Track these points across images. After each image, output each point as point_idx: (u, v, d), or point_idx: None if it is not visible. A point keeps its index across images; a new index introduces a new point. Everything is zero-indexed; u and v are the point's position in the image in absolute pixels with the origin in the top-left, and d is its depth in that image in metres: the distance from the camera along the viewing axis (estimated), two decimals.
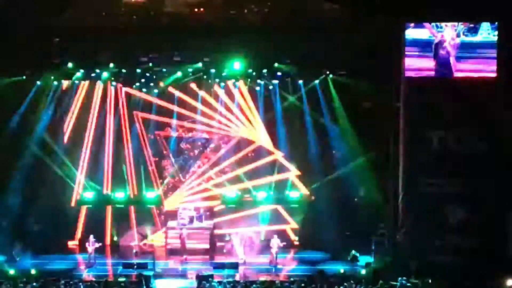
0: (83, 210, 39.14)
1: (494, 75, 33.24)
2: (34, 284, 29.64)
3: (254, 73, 37.80)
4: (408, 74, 33.68)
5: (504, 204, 33.69)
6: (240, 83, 38.88)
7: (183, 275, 34.07)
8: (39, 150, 38.18)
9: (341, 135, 38.12)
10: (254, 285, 29.90)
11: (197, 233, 38.03)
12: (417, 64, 33.66)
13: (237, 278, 32.61)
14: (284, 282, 30.73)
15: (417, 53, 33.67)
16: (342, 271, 33.37)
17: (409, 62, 33.65)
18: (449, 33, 33.31)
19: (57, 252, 36.98)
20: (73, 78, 37.99)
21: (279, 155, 39.36)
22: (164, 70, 37.79)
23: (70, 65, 36.90)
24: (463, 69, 33.50)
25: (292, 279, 31.37)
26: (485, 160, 33.62)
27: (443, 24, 33.45)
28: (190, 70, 37.63)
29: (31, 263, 34.25)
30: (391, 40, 34.42)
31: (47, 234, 37.23)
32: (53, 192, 38.50)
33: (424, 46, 33.60)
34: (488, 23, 33.27)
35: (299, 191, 38.45)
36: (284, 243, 36.03)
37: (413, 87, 33.69)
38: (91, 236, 35.99)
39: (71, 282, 30.12)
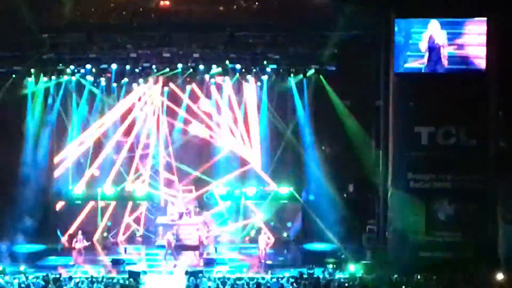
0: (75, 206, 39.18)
1: (483, 69, 33.24)
2: (23, 279, 29.78)
3: (243, 70, 37.69)
4: (397, 69, 33.63)
5: (493, 200, 33.69)
6: (228, 80, 38.72)
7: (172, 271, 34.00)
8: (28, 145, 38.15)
9: (331, 131, 38.15)
10: (243, 281, 29.90)
11: (186, 229, 38.02)
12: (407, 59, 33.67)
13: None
14: (273, 278, 30.80)
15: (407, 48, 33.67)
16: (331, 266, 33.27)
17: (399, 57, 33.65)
18: (436, 27, 33.30)
19: (46, 248, 36.90)
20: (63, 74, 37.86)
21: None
22: (154, 66, 37.68)
23: (59, 61, 36.97)
24: (453, 64, 33.47)
25: (281, 274, 31.51)
26: (474, 155, 33.63)
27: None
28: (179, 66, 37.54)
29: (19, 258, 34.18)
30: (380, 36, 34.48)
31: (35, 230, 37.07)
32: (43, 188, 38.39)
33: (415, 41, 33.57)
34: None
35: (288, 188, 38.44)
36: (273, 239, 36.03)
37: (402, 82, 33.66)
38: (79, 233, 35.99)
39: (60, 279, 30.13)
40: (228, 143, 39.57)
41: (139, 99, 39.42)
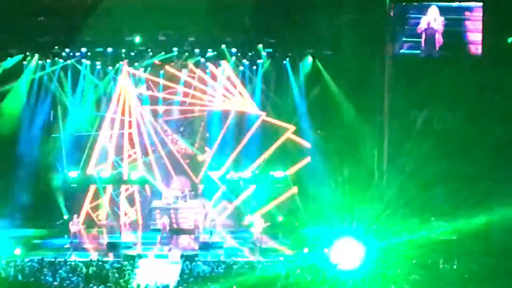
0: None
1: (479, 54, 33.27)
2: (19, 263, 29.81)
3: (239, 53, 37.69)
4: (393, 54, 33.62)
5: (489, 185, 33.73)
6: (224, 63, 38.66)
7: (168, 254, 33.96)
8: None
9: (326, 115, 38.15)
10: (238, 265, 29.92)
11: (182, 213, 38.03)
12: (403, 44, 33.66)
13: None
14: (268, 262, 30.82)
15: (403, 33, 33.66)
16: None
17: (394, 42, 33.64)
18: (434, 13, 33.27)
19: (41, 231, 36.88)
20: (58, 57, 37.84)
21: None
22: (149, 49, 37.65)
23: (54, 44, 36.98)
24: (449, 49, 33.49)
25: (276, 258, 31.56)
26: (470, 140, 33.66)
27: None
28: (174, 49, 37.51)
29: (15, 241, 34.23)
30: (377, 20, 34.42)
31: (32, 213, 37.07)
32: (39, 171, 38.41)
33: (411, 26, 33.56)
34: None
35: (283, 172, 38.40)
36: (268, 223, 36.06)
37: (399, 67, 33.67)
38: (75, 216, 35.94)
39: (55, 262, 30.11)
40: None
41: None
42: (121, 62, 38.52)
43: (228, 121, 39.65)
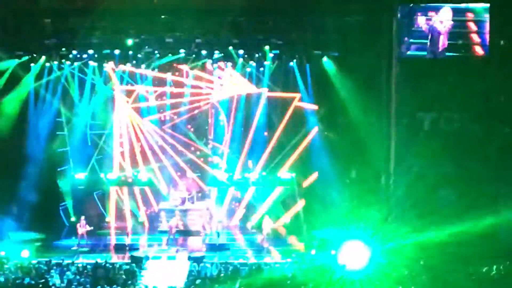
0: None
1: (486, 55, 33.25)
2: (26, 265, 29.81)
3: (246, 55, 37.73)
4: (400, 55, 33.59)
5: (497, 186, 33.69)
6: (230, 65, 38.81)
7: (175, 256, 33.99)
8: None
9: (334, 116, 38.15)
10: (245, 267, 29.92)
11: (189, 215, 38.05)
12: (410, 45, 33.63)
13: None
14: (275, 263, 30.81)
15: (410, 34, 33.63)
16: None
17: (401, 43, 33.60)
18: (444, 14, 33.25)
19: (48, 233, 36.92)
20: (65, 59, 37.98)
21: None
22: (156, 51, 37.72)
23: (61, 46, 37.06)
24: (456, 50, 33.44)
25: (283, 259, 31.54)
26: (477, 141, 33.64)
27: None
28: (182, 51, 37.58)
29: (21, 242, 34.24)
30: (384, 21, 34.40)
31: (39, 215, 37.11)
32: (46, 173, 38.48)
33: (418, 27, 33.54)
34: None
35: (290, 173, 38.42)
36: (276, 224, 36.02)
37: (405, 68, 33.64)
38: (82, 218, 35.95)
39: (62, 264, 30.13)
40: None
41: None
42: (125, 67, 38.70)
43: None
